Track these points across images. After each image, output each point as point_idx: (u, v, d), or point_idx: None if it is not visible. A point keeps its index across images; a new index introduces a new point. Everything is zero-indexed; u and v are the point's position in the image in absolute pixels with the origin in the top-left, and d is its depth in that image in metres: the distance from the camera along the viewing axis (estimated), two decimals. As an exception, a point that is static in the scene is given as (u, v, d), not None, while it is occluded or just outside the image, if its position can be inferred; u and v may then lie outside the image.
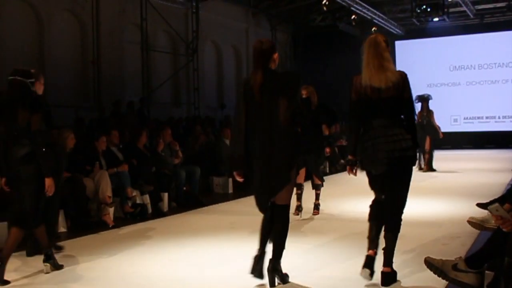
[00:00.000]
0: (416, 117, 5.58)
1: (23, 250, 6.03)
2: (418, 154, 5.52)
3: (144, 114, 14.75)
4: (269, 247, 4.68)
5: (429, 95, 14.33)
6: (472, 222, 5.30)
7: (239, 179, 4.76)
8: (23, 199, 5.16)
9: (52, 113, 12.67)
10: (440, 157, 14.55)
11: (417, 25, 22.04)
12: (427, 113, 14.25)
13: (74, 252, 6.26)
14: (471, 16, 21.03)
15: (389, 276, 4.59)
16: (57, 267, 5.47)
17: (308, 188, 8.23)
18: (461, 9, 20.11)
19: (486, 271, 4.12)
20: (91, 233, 7.28)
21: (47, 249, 5.44)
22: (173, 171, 9.59)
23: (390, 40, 19.06)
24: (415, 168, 4.90)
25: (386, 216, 4.65)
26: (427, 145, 14.06)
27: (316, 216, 8.08)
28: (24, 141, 5.14)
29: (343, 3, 18.46)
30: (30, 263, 5.76)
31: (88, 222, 7.71)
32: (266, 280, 4.69)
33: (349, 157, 4.84)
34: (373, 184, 4.77)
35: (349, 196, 9.94)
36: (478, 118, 22.55)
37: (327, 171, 14.25)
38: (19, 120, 5.14)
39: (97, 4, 14.76)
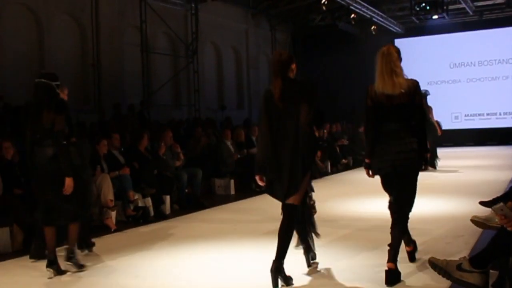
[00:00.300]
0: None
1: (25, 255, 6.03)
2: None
3: (144, 116, 14.75)
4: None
5: (426, 91, 14.27)
6: (476, 221, 5.27)
7: (261, 183, 4.97)
8: (64, 195, 5.32)
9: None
10: (442, 155, 14.49)
11: (416, 23, 22.02)
12: (426, 109, 14.21)
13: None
14: (470, 13, 21.01)
15: (393, 273, 4.68)
16: (60, 272, 5.48)
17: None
18: (460, 6, 20.10)
19: (491, 271, 4.11)
20: (93, 237, 7.25)
21: (50, 254, 5.48)
22: (175, 174, 9.58)
23: (390, 38, 19.06)
24: None
25: (392, 213, 4.91)
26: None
27: (318, 216, 8.00)
28: (49, 142, 5.32)
29: (342, 2, 18.45)
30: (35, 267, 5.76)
31: (90, 226, 7.68)
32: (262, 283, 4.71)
33: (366, 160, 5.13)
34: (384, 185, 5.02)
35: (352, 196, 9.95)
36: (479, 115, 22.52)
37: (329, 171, 14.21)
38: (43, 121, 5.32)
39: (97, 7, 14.77)
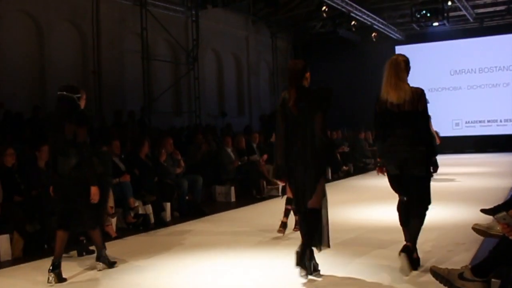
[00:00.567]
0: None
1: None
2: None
3: (145, 123, 14.75)
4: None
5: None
6: (477, 229, 5.26)
7: (282, 183, 5.50)
8: (85, 203, 5.53)
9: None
10: (442, 162, 14.44)
11: (417, 30, 22.05)
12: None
13: (77, 263, 6.24)
14: (471, 20, 21.04)
15: (413, 261, 5.21)
16: (60, 279, 5.51)
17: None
18: (461, 13, 20.12)
19: (493, 280, 4.09)
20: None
21: (101, 249, 5.90)
22: (175, 181, 9.57)
23: (390, 45, 19.11)
24: None
25: (411, 210, 5.26)
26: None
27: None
28: (71, 151, 5.51)
29: (343, 9, 18.48)
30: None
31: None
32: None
33: (378, 159, 5.57)
34: (392, 186, 5.36)
35: (353, 203, 9.92)
36: (480, 122, 22.50)
37: (329, 177, 14.16)
38: (66, 133, 5.51)
39: (97, 14, 14.78)
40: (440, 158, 14.45)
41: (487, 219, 6.00)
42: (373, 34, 21.51)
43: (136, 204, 8.49)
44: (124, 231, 8.06)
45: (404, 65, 5.18)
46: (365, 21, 19.93)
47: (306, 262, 5.05)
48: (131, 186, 8.44)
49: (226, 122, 17.52)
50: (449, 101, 21.89)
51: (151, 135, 12.15)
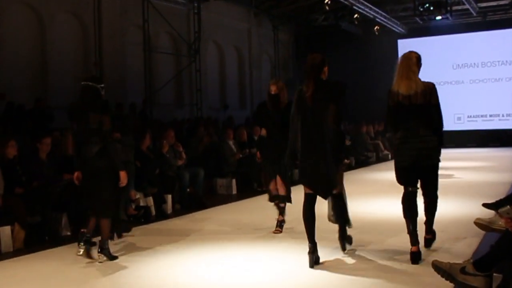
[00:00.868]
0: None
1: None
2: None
3: (147, 115, 14.73)
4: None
5: None
6: (479, 224, 5.26)
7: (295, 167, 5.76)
8: (101, 191, 5.77)
9: (55, 116, 12.78)
10: (444, 156, 14.42)
11: (420, 23, 21.98)
12: None
13: (76, 256, 6.24)
14: (474, 14, 20.96)
15: (431, 240, 5.80)
16: (89, 255, 5.85)
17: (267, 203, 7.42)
18: (464, 7, 20.04)
19: (495, 274, 4.08)
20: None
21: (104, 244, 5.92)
22: (177, 173, 9.56)
23: (393, 38, 19.06)
24: None
25: (424, 200, 5.61)
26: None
27: (321, 216, 7.81)
28: (95, 140, 5.72)
29: (346, 2, 18.41)
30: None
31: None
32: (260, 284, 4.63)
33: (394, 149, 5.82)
34: (400, 178, 5.51)
35: (354, 196, 9.88)
36: (482, 116, 22.46)
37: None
38: (90, 122, 5.72)
39: (99, 6, 14.75)
40: (441, 152, 14.53)
41: (488, 213, 6.00)
42: (375, 28, 21.45)
43: (137, 196, 8.48)
44: (125, 223, 8.03)
45: (415, 60, 5.47)
46: (368, 14, 19.86)
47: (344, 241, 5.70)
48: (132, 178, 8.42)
49: (228, 115, 17.50)
50: (451, 95, 21.80)
51: (152, 127, 12.13)
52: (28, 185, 7.26)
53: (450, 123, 20.09)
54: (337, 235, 5.87)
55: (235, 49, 21.07)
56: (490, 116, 22.32)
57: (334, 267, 5.36)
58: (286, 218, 7.12)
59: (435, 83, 5.59)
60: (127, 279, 5.28)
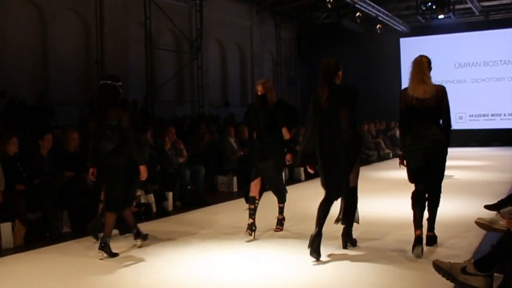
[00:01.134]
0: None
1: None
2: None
3: (148, 112, 14.71)
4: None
5: None
6: (480, 223, 5.25)
7: (311, 171, 5.83)
8: (114, 186, 5.96)
9: (56, 113, 12.76)
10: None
11: (422, 22, 21.93)
12: None
13: (77, 252, 6.25)
14: (477, 13, 20.92)
15: (432, 238, 5.96)
16: (112, 255, 5.96)
17: (266, 202, 7.35)
18: (467, 6, 20.00)
19: (495, 274, 4.07)
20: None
21: (134, 229, 6.31)
22: (178, 170, 9.56)
23: (395, 37, 18.97)
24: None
25: (429, 197, 5.85)
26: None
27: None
28: (113, 136, 5.90)
29: (348, 0, 18.37)
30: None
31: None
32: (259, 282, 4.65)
33: (400, 152, 6.19)
34: (413, 177, 5.81)
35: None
36: (484, 115, 22.43)
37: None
38: (110, 118, 5.91)
39: (101, 3, 14.74)
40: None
41: (489, 213, 5.98)
42: (377, 26, 21.41)
43: (138, 193, 8.46)
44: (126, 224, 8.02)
45: (427, 64, 5.75)
46: (370, 12, 19.82)
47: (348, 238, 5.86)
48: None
49: (229, 112, 17.49)
50: (453, 94, 21.25)
51: (154, 124, 12.13)
52: (29, 182, 7.26)
53: (452, 122, 20.03)
54: (339, 234, 5.88)
55: (237, 46, 21.05)
56: (492, 115, 22.29)
57: (334, 265, 5.37)
58: (273, 222, 7.10)
59: (436, 82, 5.92)
60: (127, 276, 5.28)
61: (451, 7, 18.54)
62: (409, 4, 20.66)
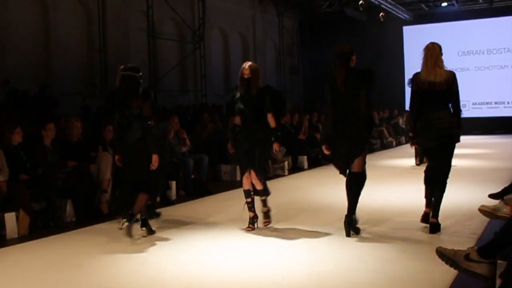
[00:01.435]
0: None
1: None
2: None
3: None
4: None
5: None
6: (484, 211, 5.25)
7: (327, 152, 6.01)
8: (141, 172, 6.23)
9: (59, 101, 12.76)
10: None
11: (425, 10, 21.85)
12: None
13: (84, 241, 6.27)
14: (480, 1, 20.85)
15: (435, 225, 6.00)
16: (151, 232, 6.38)
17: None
18: (470, -7, 19.93)
19: (499, 261, 4.07)
20: (99, 222, 7.26)
21: (143, 216, 6.41)
22: (181, 159, 9.56)
23: (398, 25, 18.88)
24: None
25: (435, 180, 6.09)
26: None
27: (318, 203, 7.84)
28: (136, 125, 6.17)
29: (351, -11, 18.31)
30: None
31: (97, 210, 7.68)
32: (263, 274, 4.67)
33: (410, 134, 6.53)
34: (424, 156, 6.39)
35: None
36: (487, 103, 22.39)
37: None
38: (132, 108, 6.18)
39: (103, -8, 14.70)
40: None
41: (493, 201, 5.99)
42: (380, 14, 21.31)
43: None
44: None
45: (439, 50, 5.99)
46: (373, 0, 19.73)
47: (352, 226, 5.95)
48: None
49: (232, 101, 17.43)
50: None
51: (156, 113, 12.11)
52: (33, 172, 7.27)
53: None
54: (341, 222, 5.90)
55: (239, 35, 21.00)
56: (495, 103, 22.25)
57: (335, 255, 5.38)
58: (275, 211, 6.88)
59: (442, 69, 5.89)
60: (130, 265, 5.29)
61: (455, -6, 18.46)
62: (412, -8, 20.57)
